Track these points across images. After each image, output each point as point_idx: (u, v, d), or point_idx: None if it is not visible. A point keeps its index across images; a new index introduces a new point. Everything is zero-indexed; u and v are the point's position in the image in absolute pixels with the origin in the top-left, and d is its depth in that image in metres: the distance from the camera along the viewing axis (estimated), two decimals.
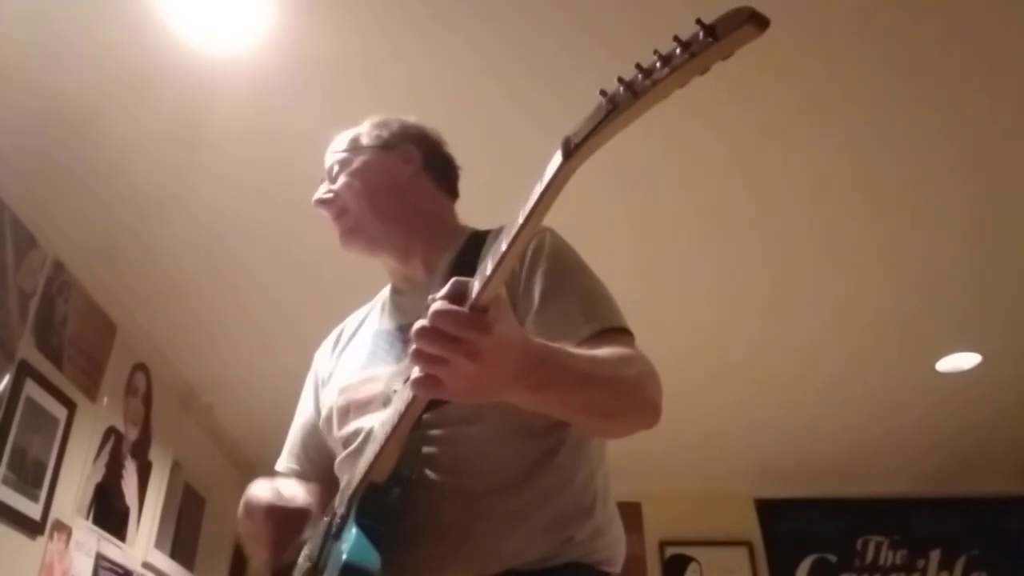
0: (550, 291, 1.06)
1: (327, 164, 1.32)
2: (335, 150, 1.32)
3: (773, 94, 2.10)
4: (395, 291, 1.29)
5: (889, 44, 1.96)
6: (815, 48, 1.97)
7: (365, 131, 1.32)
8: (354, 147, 1.30)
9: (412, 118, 1.36)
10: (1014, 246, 2.66)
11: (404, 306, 1.23)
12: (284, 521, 1.13)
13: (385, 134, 1.30)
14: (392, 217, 1.24)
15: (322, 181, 1.32)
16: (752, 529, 4.37)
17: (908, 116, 2.17)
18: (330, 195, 1.27)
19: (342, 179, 1.27)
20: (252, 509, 1.16)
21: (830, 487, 4.35)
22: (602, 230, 2.49)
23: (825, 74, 2.04)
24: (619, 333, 1.03)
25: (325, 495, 1.17)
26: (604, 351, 0.95)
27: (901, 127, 2.20)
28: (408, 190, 1.27)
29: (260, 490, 1.18)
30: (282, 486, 1.20)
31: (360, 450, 1.07)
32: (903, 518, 4.38)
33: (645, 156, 2.28)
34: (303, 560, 1.10)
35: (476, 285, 0.75)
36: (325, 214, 1.29)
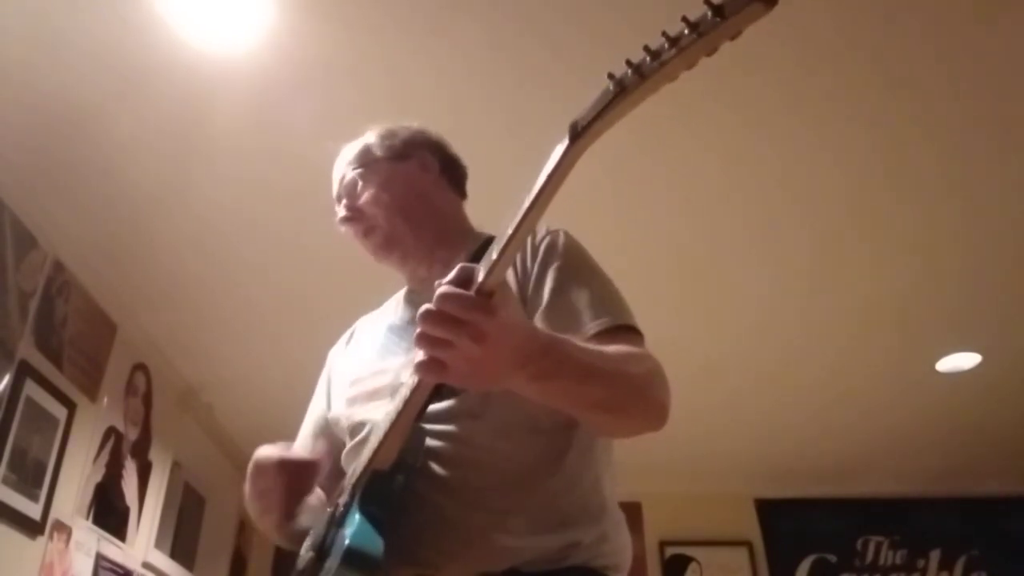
0: (560, 288, 1.06)
1: (341, 179, 1.29)
2: (351, 165, 1.29)
3: (767, 96, 2.11)
4: (411, 291, 1.29)
5: (882, 52, 1.98)
6: (812, 56, 1.98)
7: (375, 143, 1.30)
8: (370, 160, 1.28)
9: (415, 123, 1.35)
10: (1014, 246, 2.66)
11: (419, 303, 1.22)
12: (296, 474, 1.10)
13: (397, 144, 1.29)
14: (424, 225, 1.24)
15: (338, 199, 1.29)
16: (752, 529, 4.37)
17: (907, 118, 2.18)
18: (355, 212, 1.25)
19: (367, 194, 1.24)
20: (263, 465, 1.12)
21: (830, 487, 4.36)
22: (593, 224, 2.47)
23: (820, 78, 2.05)
24: (628, 332, 1.03)
25: (331, 486, 1.16)
26: (612, 348, 0.95)
27: (901, 129, 2.21)
28: (433, 196, 1.27)
29: (269, 448, 1.15)
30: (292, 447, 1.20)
31: (365, 440, 1.07)
32: (903, 518, 4.38)
33: (638, 150, 2.28)
34: (306, 550, 1.10)
35: (482, 270, 0.76)
36: (348, 231, 1.27)
